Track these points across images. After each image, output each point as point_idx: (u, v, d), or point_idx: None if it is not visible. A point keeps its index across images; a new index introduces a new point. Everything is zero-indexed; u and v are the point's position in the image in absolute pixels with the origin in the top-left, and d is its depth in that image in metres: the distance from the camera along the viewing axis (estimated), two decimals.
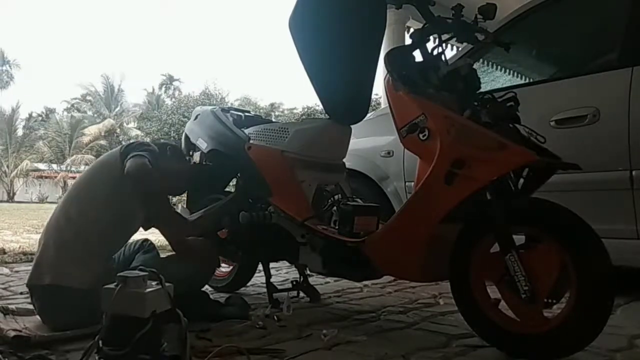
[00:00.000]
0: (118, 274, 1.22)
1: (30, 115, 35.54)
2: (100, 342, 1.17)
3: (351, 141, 2.28)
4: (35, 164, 29.86)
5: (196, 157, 2.57)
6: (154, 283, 1.24)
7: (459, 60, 1.73)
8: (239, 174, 2.47)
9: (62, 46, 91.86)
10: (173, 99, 34.48)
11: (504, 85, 2.78)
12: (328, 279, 2.75)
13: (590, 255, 1.41)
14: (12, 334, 1.52)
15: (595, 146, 2.28)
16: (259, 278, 2.60)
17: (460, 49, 3.11)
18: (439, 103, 1.65)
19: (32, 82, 69.97)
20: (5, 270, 3.20)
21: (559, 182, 1.76)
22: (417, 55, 1.81)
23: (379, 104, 9.08)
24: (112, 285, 1.20)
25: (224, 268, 2.67)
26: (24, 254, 3.86)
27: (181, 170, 2.03)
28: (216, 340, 1.59)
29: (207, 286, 2.61)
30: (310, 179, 2.14)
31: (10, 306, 1.84)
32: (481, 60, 2.88)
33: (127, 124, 33.56)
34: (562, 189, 1.98)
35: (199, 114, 2.55)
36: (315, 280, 2.59)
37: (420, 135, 1.66)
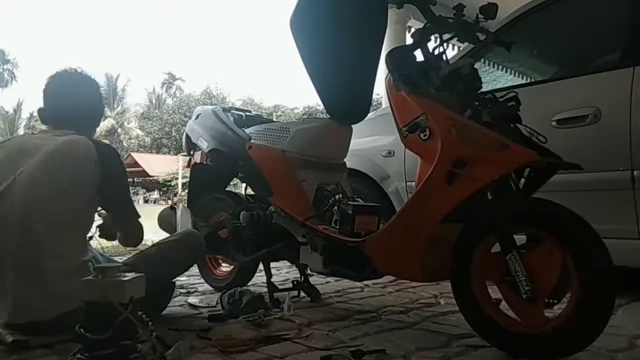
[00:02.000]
0: (95, 266, 1.30)
1: (32, 114, 35.51)
2: (81, 330, 1.20)
3: (352, 141, 2.28)
4: None
5: (197, 156, 2.58)
6: (129, 274, 1.29)
7: (460, 59, 1.72)
8: (239, 174, 2.47)
9: (62, 45, 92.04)
10: (174, 99, 34.51)
11: (505, 85, 2.77)
12: (329, 279, 2.75)
13: (592, 256, 1.40)
14: (10, 338, 1.51)
15: (597, 146, 2.28)
16: (259, 278, 2.60)
17: (461, 48, 3.11)
18: (440, 103, 1.65)
19: (33, 82, 70.15)
20: None
21: (560, 182, 1.75)
22: (418, 55, 1.81)
23: (380, 103, 9.07)
24: (90, 277, 1.25)
25: (225, 268, 2.68)
26: None
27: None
28: (216, 340, 1.59)
29: (207, 286, 2.63)
30: (310, 178, 2.14)
31: None
32: (482, 59, 2.88)
33: (128, 123, 33.61)
34: (563, 189, 1.98)
35: (200, 114, 2.55)
36: (316, 279, 2.59)
37: (421, 135, 1.66)
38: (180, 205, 2.46)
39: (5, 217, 1.56)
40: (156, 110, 31.85)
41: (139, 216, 1.81)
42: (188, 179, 2.78)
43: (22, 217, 1.55)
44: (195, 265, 2.40)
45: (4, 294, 1.56)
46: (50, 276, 1.54)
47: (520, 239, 1.53)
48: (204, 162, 2.52)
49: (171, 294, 2.03)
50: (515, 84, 2.93)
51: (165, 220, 2.49)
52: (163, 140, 29.97)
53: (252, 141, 2.24)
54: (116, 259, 2.02)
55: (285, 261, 2.57)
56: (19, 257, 1.54)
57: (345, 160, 2.32)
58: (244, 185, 3.01)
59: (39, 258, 1.54)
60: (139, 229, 1.81)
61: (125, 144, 32.84)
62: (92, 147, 1.64)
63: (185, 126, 2.74)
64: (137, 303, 1.24)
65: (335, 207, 2.08)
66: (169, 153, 28.66)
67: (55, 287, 1.53)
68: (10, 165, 1.62)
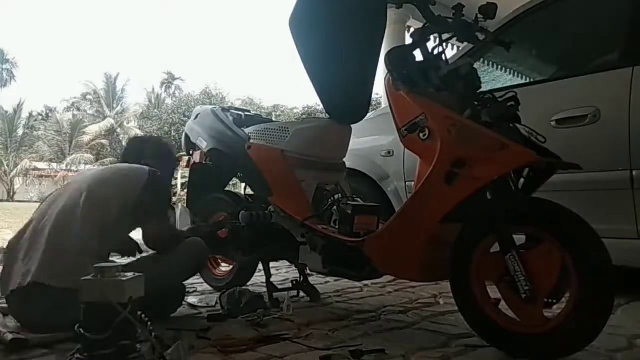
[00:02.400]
0: (94, 265, 1.29)
1: (31, 114, 35.42)
2: (81, 329, 1.20)
3: (351, 141, 2.28)
4: (35, 163, 29.80)
5: (196, 156, 2.57)
6: (128, 274, 1.30)
7: (459, 59, 1.72)
8: (239, 173, 2.47)
9: (62, 45, 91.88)
10: (174, 98, 34.47)
11: (505, 85, 2.77)
12: (328, 279, 2.75)
13: (591, 255, 1.40)
14: (10, 337, 1.51)
15: (596, 146, 2.28)
16: (259, 278, 2.60)
17: (460, 48, 3.11)
18: (439, 103, 1.65)
19: (33, 81, 70.06)
20: None
21: (559, 182, 1.75)
22: (418, 55, 1.81)
23: (379, 103, 9.07)
24: (90, 277, 1.26)
25: (224, 268, 2.68)
26: None
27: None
28: (215, 340, 1.59)
29: (207, 286, 2.63)
30: (310, 178, 2.14)
31: None
32: (482, 59, 2.88)
33: (128, 123, 33.55)
34: (563, 189, 1.98)
35: (199, 114, 2.55)
36: (315, 279, 2.59)
37: (421, 135, 1.66)
38: (180, 205, 2.46)
39: (58, 201, 1.81)
40: (155, 110, 31.77)
41: (172, 227, 2.05)
42: (187, 179, 2.78)
43: (73, 200, 1.77)
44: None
45: (32, 258, 1.68)
46: (70, 249, 1.67)
47: (519, 238, 1.53)
48: (204, 162, 2.52)
49: (182, 297, 2.04)
50: (515, 84, 2.94)
51: None
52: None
53: (251, 141, 2.24)
54: None
55: (285, 261, 2.57)
56: (55, 233, 1.72)
57: (344, 160, 2.32)
58: (243, 185, 3.02)
59: (69, 235, 1.70)
60: (168, 229, 1.93)
61: (124, 143, 32.79)
62: (146, 171, 1.87)
63: (185, 126, 2.74)
64: (136, 303, 1.24)
65: (335, 207, 2.08)
66: None
67: (69, 259, 1.64)
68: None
